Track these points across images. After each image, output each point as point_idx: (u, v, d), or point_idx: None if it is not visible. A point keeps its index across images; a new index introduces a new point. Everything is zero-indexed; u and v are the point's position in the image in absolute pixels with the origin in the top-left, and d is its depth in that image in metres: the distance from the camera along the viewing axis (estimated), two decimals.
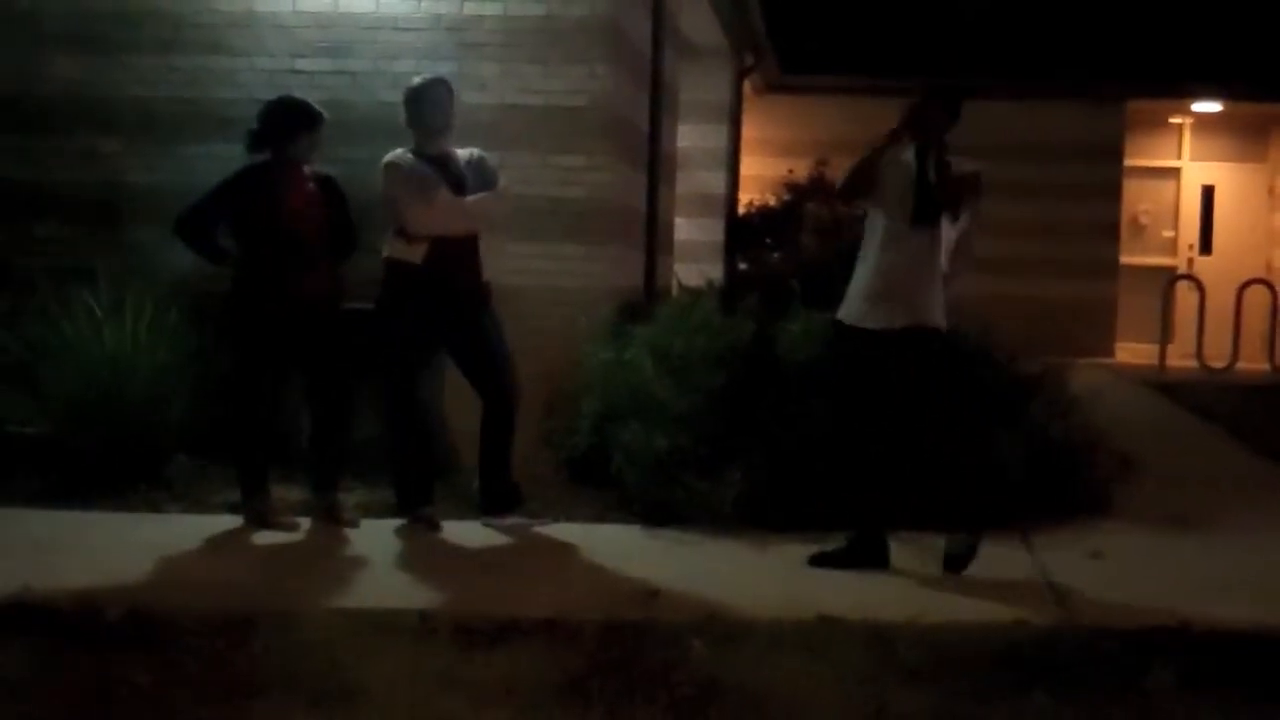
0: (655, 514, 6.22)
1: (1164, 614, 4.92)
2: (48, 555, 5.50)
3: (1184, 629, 4.77)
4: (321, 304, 6.11)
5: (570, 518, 6.33)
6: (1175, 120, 16.27)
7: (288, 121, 6.12)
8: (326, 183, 6.24)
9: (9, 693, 4.02)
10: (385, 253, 6.14)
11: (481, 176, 6.21)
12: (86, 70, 7.67)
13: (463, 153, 6.25)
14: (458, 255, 6.08)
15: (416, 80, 6.27)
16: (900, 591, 5.30)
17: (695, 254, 11.84)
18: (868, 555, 5.61)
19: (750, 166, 14.52)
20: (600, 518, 6.34)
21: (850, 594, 5.19)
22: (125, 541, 5.74)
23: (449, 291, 6.07)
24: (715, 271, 11.39)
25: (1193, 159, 16.41)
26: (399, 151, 6.18)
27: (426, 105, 6.15)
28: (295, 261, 6.02)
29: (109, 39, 7.66)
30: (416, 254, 6.05)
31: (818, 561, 5.63)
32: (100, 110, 7.67)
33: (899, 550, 5.71)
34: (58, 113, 7.69)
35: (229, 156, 6.39)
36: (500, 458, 6.24)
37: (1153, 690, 4.25)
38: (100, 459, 6.48)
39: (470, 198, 6.11)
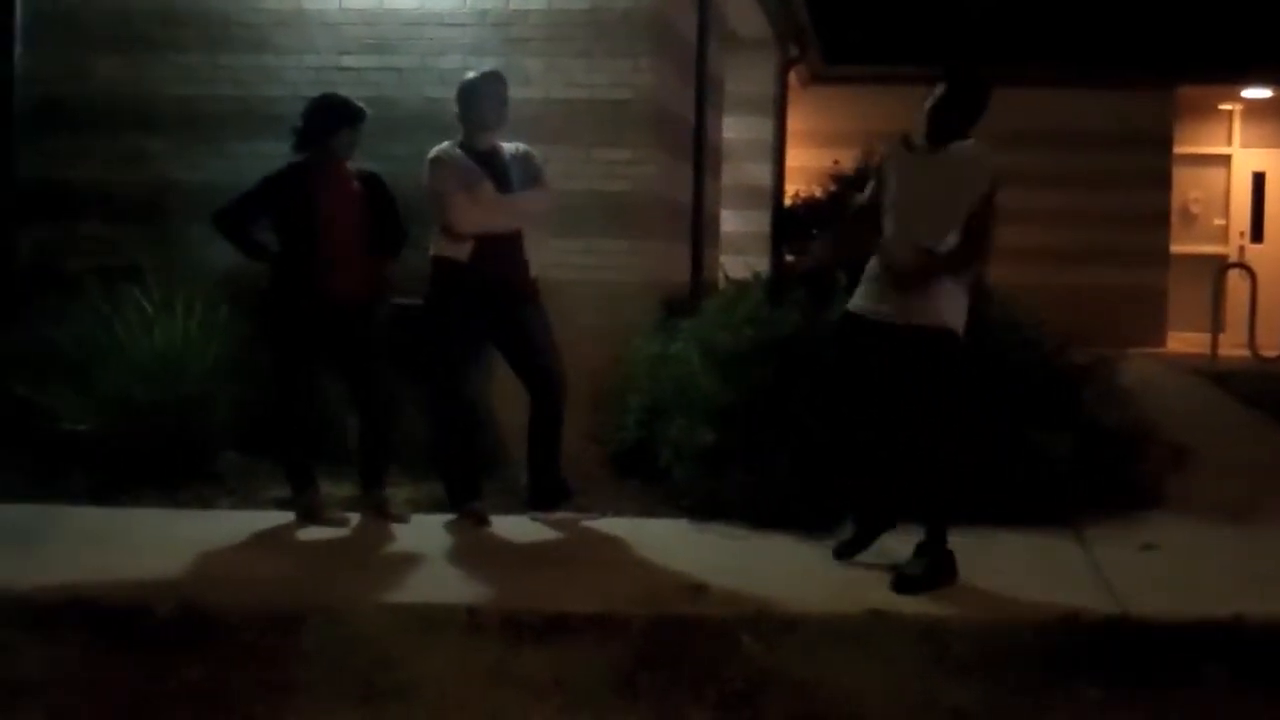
0: (702, 508, 6.20)
1: (1218, 607, 4.86)
2: (99, 551, 5.55)
3: (1238, 623, 4.70)
4: (359, 302, 6.12)
5: (617, 512, 6.31)
6: (1225, 107, 16.07)
7: (330, 118, 6.14)
8: (371, 180, 6.24)
9: (62, 688, 4.06)
10: (432, 250, 6.14)
11: (527, 172, 6.19)
12: (133, 69, 7.74)
13: (509, 147, 6.24)
14: (503, 252, 6.07)
15: (471, 74, 6.27)
16: (951, 585, 5.25)
17: (741, 246, 11.81)
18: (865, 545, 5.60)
19: (796, 158, 14.46)
20: (647, 512, 6.33)
21: None
22: (175, 537, 5.78)
23: (495, 288, 6.07)
24: (761, 263, 11.33)
25: (1243, 146, 16.19)
26: (445, 145, 6.18)
27: (481, 100, 6.14)
28: (331, 259, 6.03)
29: (155, 38, 7.72)
30: (463, 251, 6.05)
31: (840, 553, 5.62)
32: (147, 109, 7.74)
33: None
34: (104, 112, 7.76)
35: (275, 154, 6.40)
36: (548, 453, 6.24)
37: (1207, 685, 4.21)
38: (151, 455, 6.53)
39: (515, 195, 6.10)
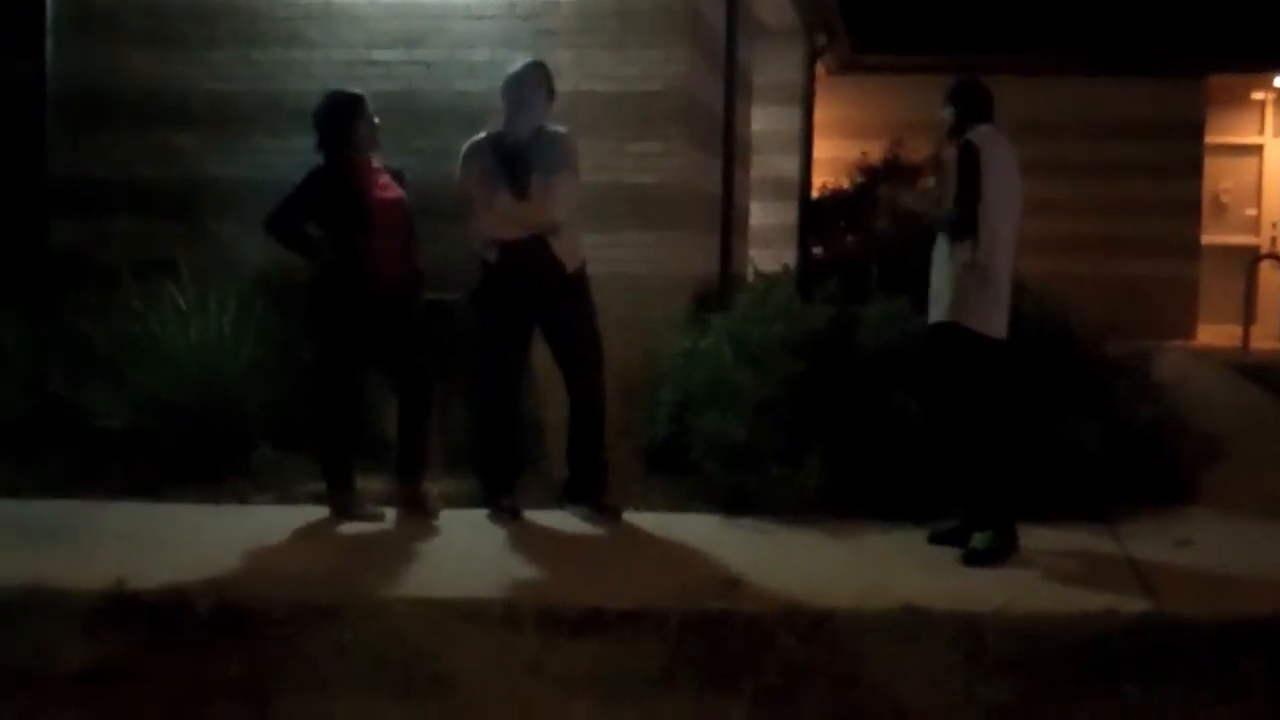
0: (735, 503, 6.20)
1: (1255, 602, 4.85)
2: (138, 549, 5.59)
3: (1276, 618, 4.67)
4: (404, 292, 6.15)
5: (649, 507, 6.32)
6: (1257, 96, 15.95)
7: (342, 116, 6.14)
8: (398, 176, 6.27)
9: (106, 685, 4.09)
10: (474, 247, 6.17)
11: (552, 160, 6.05)
12: (164, 65, 7.76)
13: (549, 131, 6.17)
14: (527, 251, 6.05)
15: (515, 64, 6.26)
16: (986, 581, 5.25)
17: (769, 238, 11.79)
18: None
19: (823, 149, 14.41)
20: (679, 507, 6.33)
21: (935, 583, 5.17)
22: (213, 533, 5.82)
23: (527, 286, 6.07)
24: (790, 256, 11.33)
25: (1275, 135, 16.08)
26: (479, 138, 6.15)
27: (509, 90, 6.13)
28: (379, 250, 6.05)
29: (186, 34, 7.75)
30: (491, 254, 6.10)
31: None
32: (178, 105, 7.76)
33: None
34: (136, 108, 7.79)
35: (306, 149, 6.39)
36: (585, 446, 6.23)
37: (1245, 681, 4.19)
38: (187, 452, 6.56)
39: (530, 201, 5.99)
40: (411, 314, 6.21)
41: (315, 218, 6.17)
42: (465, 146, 6.17)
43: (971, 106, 5.71)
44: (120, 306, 6.81)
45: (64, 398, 6.69)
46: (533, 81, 6.12)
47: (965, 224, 5.52)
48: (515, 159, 6.04)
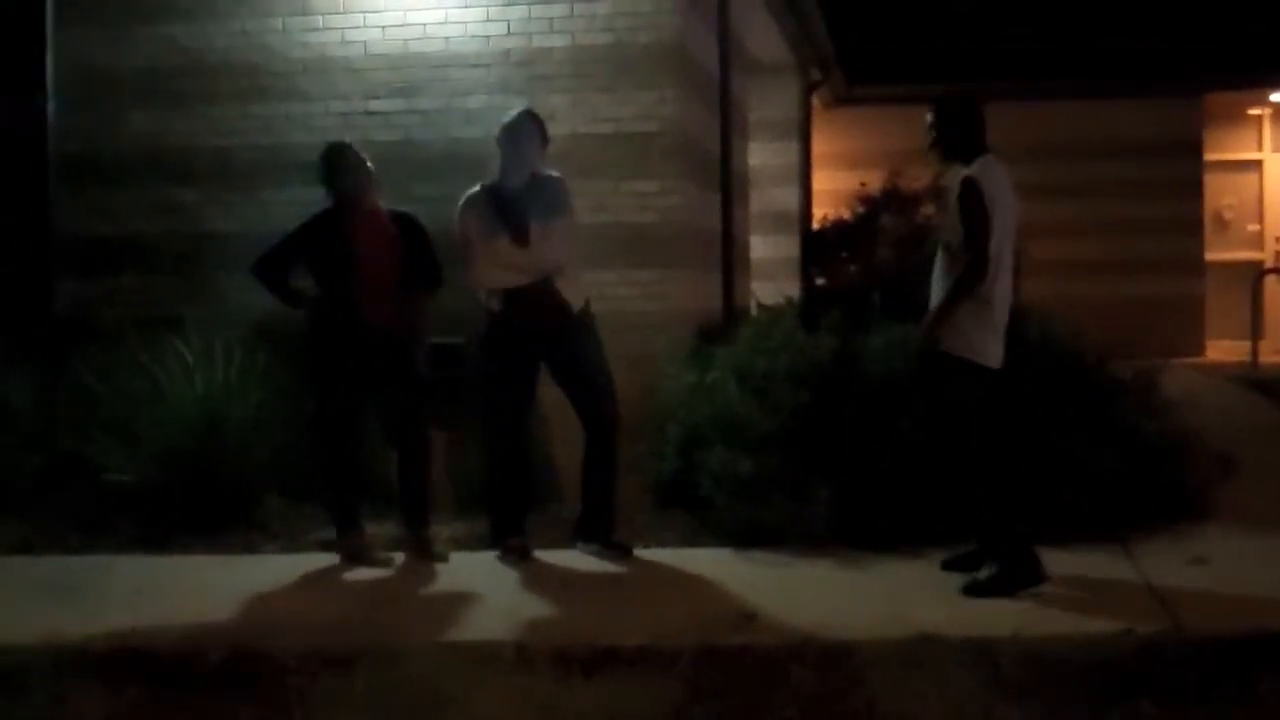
0: (745, 536, 6.18)
1: (1272, 619, 4.81)
2: (149, 601, 5.59)
3: None
4: (395, 336, 6.16)
5: (660, 542, 6.31)
6: (1254, 111, 15.97)
7: (321, 169, 6.25)
8: (404, 220, 6.29)
9: None
10: (480, 298, 6.20)
11: (549, 205, 6.12)
12: (164, 122, 7.82)
13: (544, 174, 6.23)
14: (533, 296, 6.09)
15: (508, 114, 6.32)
16: (1000, 605, 5.21)
17: (772, 272, 11.81)
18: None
19: (822, 181, 14.45)
20: (690, 541, 6.32)
21: (949, 610, 5.15)
22: (224, 583, 5.81)
23: (534, 329, 6.10)
24: (792, 288, 11.34)
25: (1274, 150, 16.09)
26: (474, 191, 6.21)
27: (503, 140, 6.20)
28: (367, 294, 6.08)
29: (186, 90, 7.80)
30: (495, 303, 6.14)
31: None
32: (180, 161, 7.81)
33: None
34: (138, 166, 7.84)
35: (307, 201, 6.46)
36: (598, 484, 6.23)
37: (1262, 699, 4.17)
38: (196, 503, 6.58)
39: (531, 247, 6.04)
40: (408, 357, 6.23)
41: (304, 261, 6.22)
42: (463, 198, 6.22)
43: (954, 124, 5.65)
44: (127, 361, 6.83)
45: (74, 454, 6.70)
46: (527, 130, 6.19)
47: (978, 262, 5.47)
48: (513, 207, 6.09)
